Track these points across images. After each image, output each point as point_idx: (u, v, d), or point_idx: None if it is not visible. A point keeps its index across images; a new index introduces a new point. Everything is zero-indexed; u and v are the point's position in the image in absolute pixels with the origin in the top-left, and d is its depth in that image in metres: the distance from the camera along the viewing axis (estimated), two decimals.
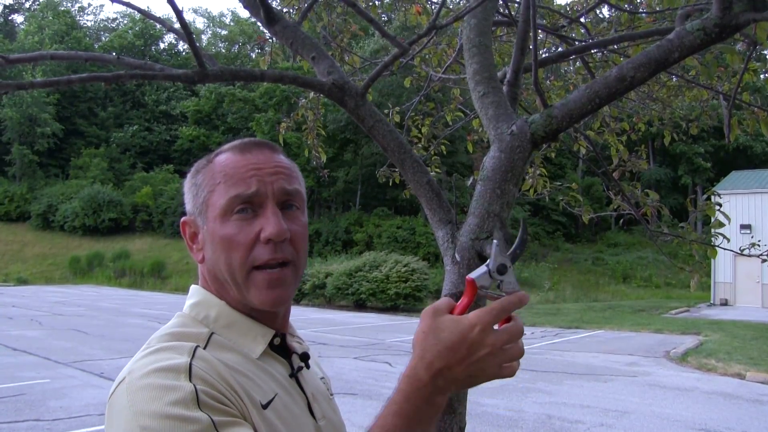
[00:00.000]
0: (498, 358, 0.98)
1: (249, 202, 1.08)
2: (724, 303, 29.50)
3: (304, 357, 1.21)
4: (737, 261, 28.15)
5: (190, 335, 1.07)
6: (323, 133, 4.16)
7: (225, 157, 1.14)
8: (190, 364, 0.96)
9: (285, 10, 3.76)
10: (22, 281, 39.72)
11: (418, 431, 0.99)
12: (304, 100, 4.00)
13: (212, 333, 1.09)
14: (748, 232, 26.66)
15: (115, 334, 16.65)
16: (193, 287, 1.20)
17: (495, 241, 1.11)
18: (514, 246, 1.12)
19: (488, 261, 1.05)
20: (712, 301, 29.96)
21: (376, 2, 4.18)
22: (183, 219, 1.18)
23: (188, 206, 1.17)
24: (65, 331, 17.36)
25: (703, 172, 47.84)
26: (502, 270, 1.05)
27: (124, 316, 21.93)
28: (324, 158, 4.15)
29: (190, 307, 1.15)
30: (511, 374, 1.00)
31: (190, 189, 1.17)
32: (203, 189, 1.13)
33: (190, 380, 0.94)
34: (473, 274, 1.05)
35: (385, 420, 0.99)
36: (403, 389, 0.99)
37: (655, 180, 46.12)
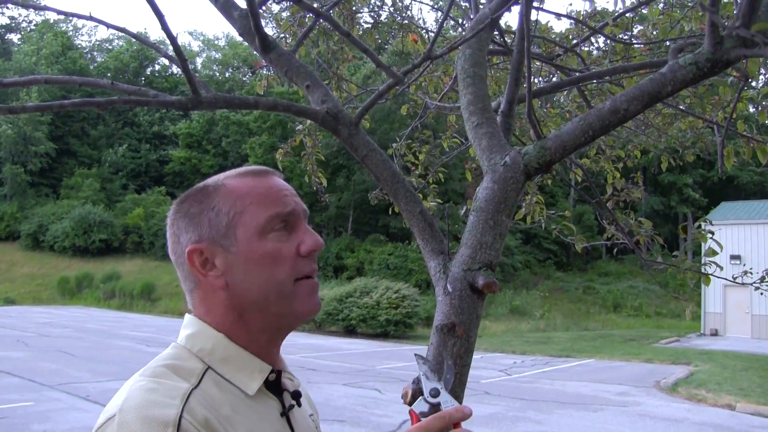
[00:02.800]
0: None
1: (285, 221, 1.15)
2: (714, 333, 29.50)
3: (296, 395, 1.24)
4: (727, 291, 28.23)
5: (184, 370, 1.07)
6: (322, 158, 4.18)
7: (243, 181, 1.17)
8: (180, 418, 0.96)
9: (282, 35, 3.77)
10: (9, 301, 39.31)
11: None
12: (300, 126, 4.01)
13: (207, 368, 1.10)
14: (738, 262, 26.73)
15: (102, 357, 16.45)
16: (188, 317, 1.18)
17: (421, 373, 1.24)
18: (444, 372, 1.26)
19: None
20: (702, 331, 29.95)
21: (372, 28, 4.19)
22: (191, 247, 1.14)
23: (194, 233, 1.15)
24: (52, 352, 17.14)
25: (694, 202, 48.14)
26: (435, 393, 1.19)
27: (112, 338, 21.72)
28: (325, 183, 4.17)
29: (187, 338, 1.14)
30: None
31: (197, 215, 1.15)
32: (225, 212, 1.14)
33: None
34: (413, 407, 1.19)
35: None
36: None
37: (648, 209, 46.36)
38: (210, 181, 1.20)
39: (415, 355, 1.38)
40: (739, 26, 1.58)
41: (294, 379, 1.26)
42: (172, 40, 1.59)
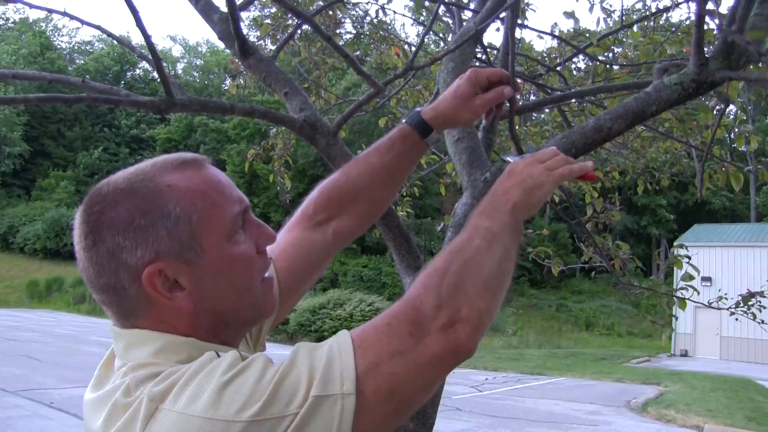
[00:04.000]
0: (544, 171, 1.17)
1: (243, 218, 1.03)
2: (684, 354, 29.78)
3: None
4: (697, 313, 28.49)
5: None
6: (290, 161, 4.11)
7: (187, 176, 0.98)
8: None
9: (261, 42, 3.72)
10: None
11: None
12: (274, 130, 3.96)
13: None
14: (709, 284, 27.04)
15: (69, 362, 16.11)
16: (138, 332, 0.97)
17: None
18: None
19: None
20: (672, 352, 30.22)
21: (354, 38, 4.16)
22: (150, 269, 0.93)
23: (147, 250, 0.94)
24: (16, 357, 16.73)
25: (666, 223, 48.67)
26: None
27: (80, 343, 21.33)
28: (289, 185, 4.10)
29: (154, 355, 0.94)
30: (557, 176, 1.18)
31: (146, 227, 0.94)
32: (185, 219, 0.95)
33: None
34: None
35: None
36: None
37: (621, 227, 46.79)
38: (137, 178, 0.97)
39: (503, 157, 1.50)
40: (734, 30, 1.56)
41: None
42: (147, 38, 1.53)
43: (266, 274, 1.08)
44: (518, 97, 1.51)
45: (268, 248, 1.28)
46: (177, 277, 0.95)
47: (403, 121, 1.43)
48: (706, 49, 1.78)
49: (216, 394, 0.81)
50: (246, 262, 1.00)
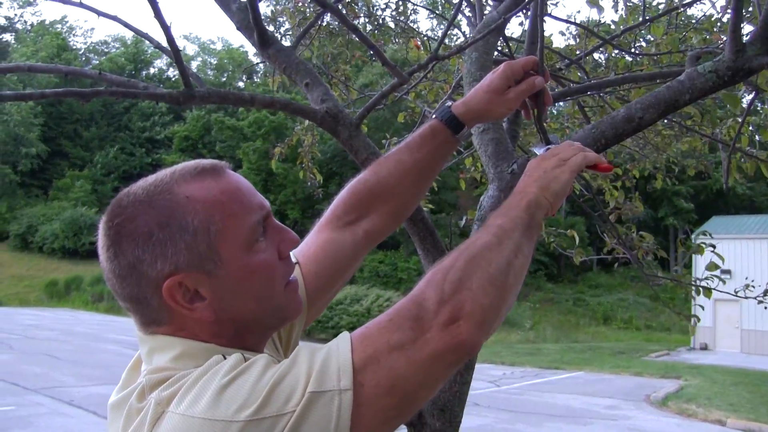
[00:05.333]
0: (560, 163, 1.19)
1: (263, 224, 1.02)
2: (704, 347, 29.51)
3: None
4: (717, 306, 28.23)
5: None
6: (318, 154, 4.09)
7: (204, 186, 0.98)
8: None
9: (287, 30, 3.68)
10: None
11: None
12: (299, 127, 3.93)
13: None
14: (729, 277, 26.68)
15: (88, 361, 16.24)
16: (162, 338, 0.99)
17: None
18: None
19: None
20: (691, 345, 29.96)
21: (375, 31, 4.12)
22: (170, 281, 0.94)
23: (166, 263, 0.94)
24: (37, 355, 16.89)
25: (685, 214, 48.18)
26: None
27: (98, 341, 21.48)
28: (320, 179, 4.08)
29: (174, 360, 0.96)
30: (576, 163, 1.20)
31: (165, 241, 0.94)
32: (203, 230, 0.95)
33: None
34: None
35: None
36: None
37: (636, 219, 46.43)
38: (155, 189, 0.98)
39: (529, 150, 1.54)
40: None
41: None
42: (165, 29, 1.49)
43: (291, 277, 1.08)
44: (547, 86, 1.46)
45: (298, 250, 1.26)
46: (197, 287, 0.96)
47: (433, 116, 1.40)
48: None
49: (216, 395, 0.82)
50: (267, 271, 1.01)
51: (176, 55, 1.66)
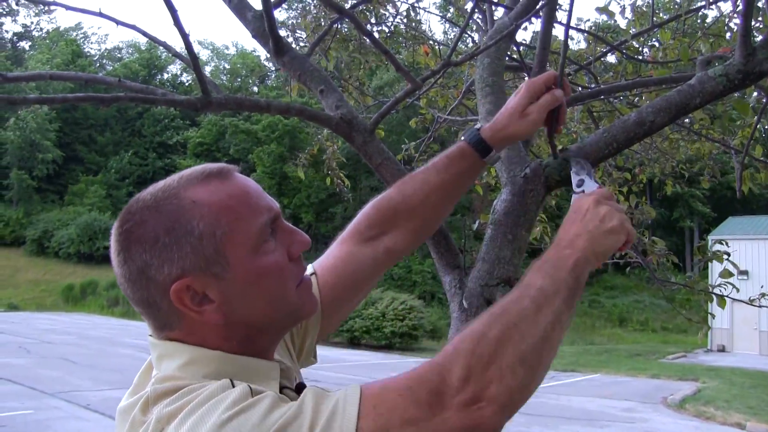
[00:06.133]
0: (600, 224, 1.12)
1: (272, 226, 1.01)
2: (722, 349, 29.27)
3: (300, 388, 1.09)
4: (734, 307, 27.99)
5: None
6: (343, 159, 4.12)
7: (211, 190, 0.98)
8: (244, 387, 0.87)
9: (302, 36, 3.72)
10: (12, 307, 39.22)
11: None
12: (320, 136, 3.97)
13: (231, 380, 0.92)
14: (746, 278, 26.57)
15: (105, 365, 16.37)
16: (171, 344, 0.98)
17: (572, 167, 1.40)
18: (588, 167, 1.39)
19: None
20: (709, 347, 29.73)
21: (386, 38, 4.15)
22: (178, 285, 0.94)
23: (173, 266, 0.94)
24: (53, 359, 17.05)
25: (702, 214, 47.82)
26: (580, 184, 1.33)
27: (115, 346, 21.64)
28: (348, 183, 4.11)
29: (182, 368, 0.95)
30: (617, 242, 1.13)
31: (171, 244, 0.94)
32: (209, 234, 0.94)
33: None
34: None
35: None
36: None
37: (651, 220, 46.14)
38: (163, 194, 0.98)
39: (564, 158, 1.57)
40: None
41: (287, 367, 1.12)
42: (184, 37, 1.53)
43: (305, 274, 1.07)
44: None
45: (317, 261, 1.27)
46: (205, 290, 0.96)
47: (462, 139, 1.41)
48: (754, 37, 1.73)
49: (215, 429, 0.80)
50: (276, 272, 0.99)
51: (194, 62, 1.69)
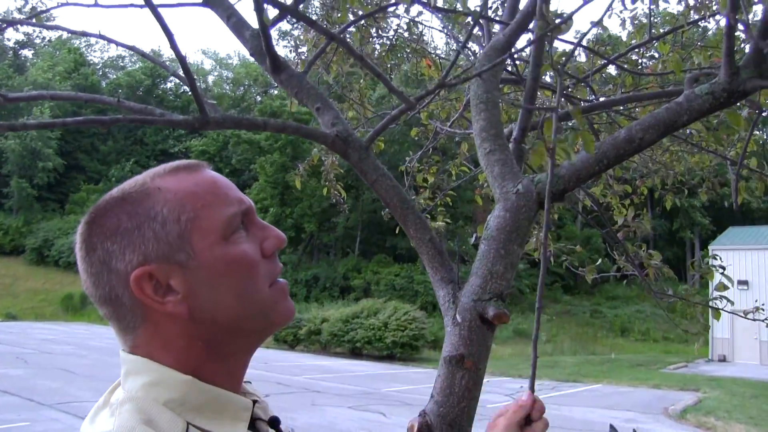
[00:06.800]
0: None
1: (243, 220, 0.95)
2: (723, 359, 29.24)
3: (274, 423, 1.03)
4: (735, 317, 27.94)
5: (163, 430, 0.85)
6: (341, 171, 4.14)
7: (179, 179, 0.94)
8: None
9: (292, 56, 3.77)
10: (10, 317, 39.16)
11: None
12: (315, 150, 4.00)
13: (187, 425, 0.87)
14: (746, 288, 26.58)
15: (104, 375, 16.29)
16: (135, 359, 0.91)
17: None
18: None
19: None
20: (710, 357, 29.70)
21: (388, 50, 4.20)
22: (138, 271, 0.87)
23: (135, 254, 0.89)
24: (52, 370, 16.95)
25: (702, 226, 47.85)
26: None
27: (114, 356, 21.01)
28: (344, 195, 4.13)
29: (145, 388, 0.88)
30: None
31: (132, 231, 0.89)
32: (173, 219, 0.90)
33: None
34: None
35: None
36: None
37: (653, 233, 46.13)
38: (129, 186, 0.94)
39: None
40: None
41: (261, 400, 1.05)
42: (181, 60, 1.57)
43: (279, 279, 0.99)
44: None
45: None
46: (169, 280, 0.89)
47: None
48: (737, 57, 1.77)
49: None
50: (245, 264, 0.92)
51: (191, 83, 1.73)
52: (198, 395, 0.89)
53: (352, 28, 3.52)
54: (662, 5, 3.64)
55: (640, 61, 4.04)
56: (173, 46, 1.60)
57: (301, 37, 3.83)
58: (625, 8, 3.72)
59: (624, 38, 4.47)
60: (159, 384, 0.88)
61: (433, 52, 4.48)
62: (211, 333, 0.91)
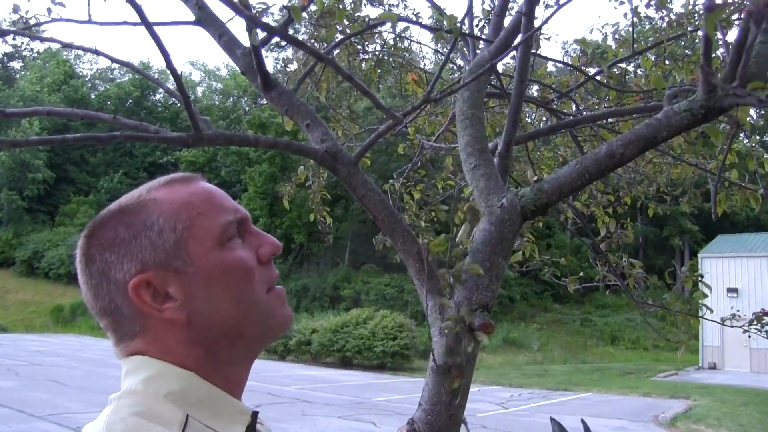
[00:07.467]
0: None
1: (238, 228, 0.98)
2: (713, 367, 29.34)
3: None
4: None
5: (162, 417, 0.86)
6: (328, 196, 4.17)
7: (174, 190, 0.97)
8: None
9: (282, 71, 3.82)
10: (1, 329, 38.84)
11: None
12: (302, 168, 4.04)
13: (187, 415, 0.88)
14: (735, 295, 26.75)
15: (95, 386, 16.23)
16: (137, 358, 0.93)
17: None
18: None
19: None
20: (700, 365, 29.80)
21: (375, 66, 4.26)
22: (136, 280, 0.90)
23: (132, 263, 0.91)
24: (43, 382, 16.86)
25: (690, 233, 48.09)
26: None
27: (106, 367, 21.47)
28: (330, 221, 4.15)
29: (145, 383, 0.90)
30: None
31: (129, 241, 0.92)
32: (169, 228, 0.92)
33: None
34: None
35: None
36: None
37: (641, 238, 46.33)
38: (127, 200, 0.97)
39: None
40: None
41: (263, 423, 1.06)
42: (176, 77, 1.62)
43: (276, 286, 1.01)
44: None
45: None
46: (167, 287, 0.91)
47: None
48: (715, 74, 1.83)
49: None
50: (242, 270, 0.94)
51: (186, 101, 1.78)
52: (198, 389, 0.91)
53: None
54: (644, 22, 3.72)
55: (625, 68, 4.10)
56: (170, 65, 1.65)
57: (290, 56, 3.89)
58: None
59: (614, 46, 4.56)
60: (159, 377, 0.90)
61: (421, 63, 4.55)
62: (211, 339, 0.93)
